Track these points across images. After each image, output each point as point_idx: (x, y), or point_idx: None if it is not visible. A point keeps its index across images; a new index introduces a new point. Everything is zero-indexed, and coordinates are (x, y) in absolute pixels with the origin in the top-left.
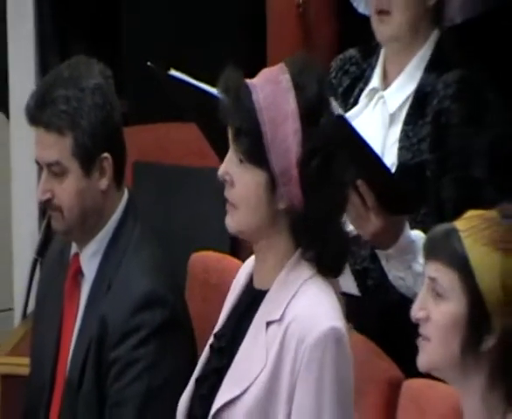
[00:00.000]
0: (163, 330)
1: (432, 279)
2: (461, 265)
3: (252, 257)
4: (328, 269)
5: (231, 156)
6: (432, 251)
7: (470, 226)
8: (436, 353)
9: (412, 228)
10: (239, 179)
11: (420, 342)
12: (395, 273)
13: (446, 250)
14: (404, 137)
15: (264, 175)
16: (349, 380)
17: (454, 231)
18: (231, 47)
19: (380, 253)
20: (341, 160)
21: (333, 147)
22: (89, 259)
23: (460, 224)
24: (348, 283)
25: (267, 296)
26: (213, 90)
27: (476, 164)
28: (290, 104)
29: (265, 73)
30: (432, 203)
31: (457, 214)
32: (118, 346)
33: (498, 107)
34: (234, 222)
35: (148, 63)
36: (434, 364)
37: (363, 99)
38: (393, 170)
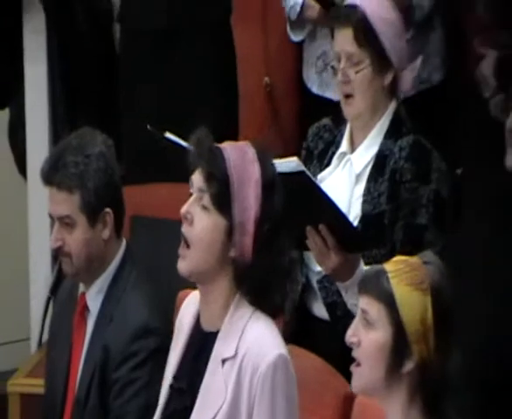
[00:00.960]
0: (157, 354)
1: (364, 311)
2: (388, 300)
3: (191, 298)
4: (266, 311)
5: (195, 200)
6: (364, 287)
7: (396, 268)
8: (365, 377)
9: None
10: (200, 220)
11: (353, 368)
12: (352, 302)
13: (376, 287)
14: (367, 192)
15: (224, 222)
16: (295, 398)
17: (383, 272)
18: (208, 113)
19: (340, 285)
20: (286, 228)
21: (280, 218)
22: (94, 297)
23: (388, 266)
24: (322, 310)
25: (219, 336)
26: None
27: (422, 213)
28: (255, 172)
29: (232, 144)
30: (388, 246)
31: (404, 254)
32: (119, 368)
33: (441, 167)
34: (186, 262)
35: (148, 127)
36: (365, 386)
37: (334, 160)
38: (357, 220)
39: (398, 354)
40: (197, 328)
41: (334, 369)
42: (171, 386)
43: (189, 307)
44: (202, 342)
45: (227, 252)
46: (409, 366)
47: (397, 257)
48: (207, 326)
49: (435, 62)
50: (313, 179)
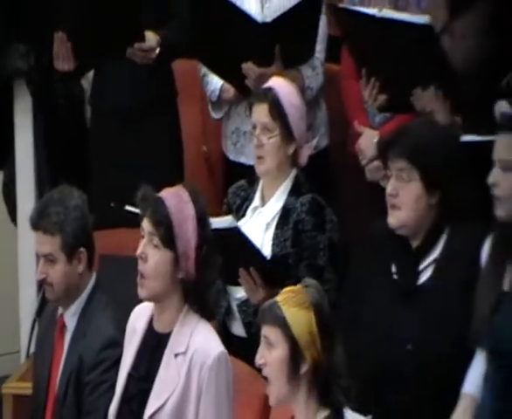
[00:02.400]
0: (120, 362)
1: (265, 337)
2: (281, 323)
3: (141, 308)
4: (207, 317)
5: (147, 242)
6: (263, 318)
7: (284, 297)
8: (276, 391)
9: None
10: (152, 257)
11: (267, 386)
12: None
13: (271, 316)
14: (275, 238)
15: (171, 254)
16: (231, 387)
17: (275, 302)
18: (161, 173)
19: None
20: (217, 252)
21: (214, 243)
22: (70, 318)
23: (278, 297)
24: (239, 329)
25: (172, 336)
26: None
27: (320, 255)
28: (190, 210)
29: (169, 190)
30: (294, 281)
31: None
32: (90, 373)
33: (332, 219)
34: (144, 290)
35: (112, 204)
36: (278, 400)
37: (248, 212)
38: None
39: (295, 362)
40: (150, 330)
41: (255, 371)
42: (130, 374)
43: (140, 316)
44: (157, 341)
45: (176, 275)
46: (304, 368)
47: (286, 288)
48: (161, 328)
49: (321, 131)
50: (243, 232)
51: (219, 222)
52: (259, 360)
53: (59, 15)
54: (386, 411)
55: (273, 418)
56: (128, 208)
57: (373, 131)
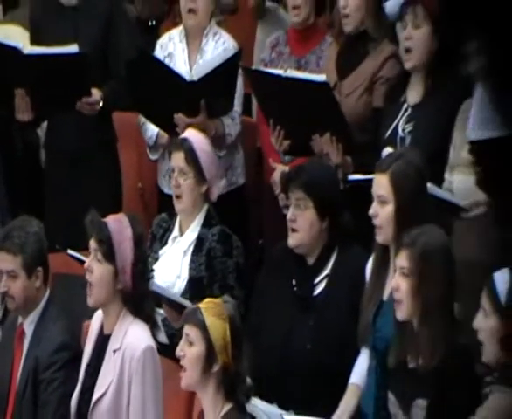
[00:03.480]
0: (69, 363)
1: (187, 334)
2: (201, 326)
3: (97, 316)
4: (143, 319)
5: (93, 257)
6: (186, 319)
7: (206, 306)
8: (188, 378)
9: None
10: (97, 269)
11: (181, 373)
12: None
13: (194, 318)
14: (192, 263)
15: (112, 268)
16: (160, 377)
17: (199, 308)
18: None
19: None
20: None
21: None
22: (28, 326)
23: (201, 305)
24: (164, 338)
25: (112, 336)
26: None
27: (230, 277)
28: (129, 233)
29: (112, 217)
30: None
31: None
32: (44, 372)
33: (238, 245)
34: (92, 299)
35: (57, 246)
36: (189, 385)
37: (169, 241)
38: (186, 281)
39: (209, 361)
40: (101, 332)
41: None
42: (86, 371)
43: (96, 320)
44: (103, 341)
45: (116, 286)
46: (216, 368)
47: (207, 299)
48: (106, 330)
49: (239, 170)
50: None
51: None
52: (179, 351)
53: (19, 75)
54: (289, 398)
55: (198, 404)
56: (70, 252)
57: (284, 166)
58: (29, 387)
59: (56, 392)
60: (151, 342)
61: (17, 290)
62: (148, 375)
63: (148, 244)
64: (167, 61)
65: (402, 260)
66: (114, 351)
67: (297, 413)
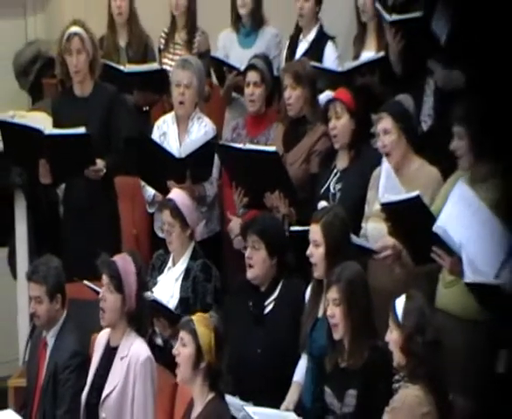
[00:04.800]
0: (80, 367)
1: (181, 338)
2: (193, 334)
3: (102, 334)
4: (142, 334)
5: (105, 289)
6: (182, 326)
7: (197, 318)
8: (184, 373)
9: None
10: (109, 298)
11: (177, 370)
12: None
13: (187, 327)
14: (181, 287)
15: (121, 296)
16: (155, 379)
17: (191, 319)
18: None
19: None
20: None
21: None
22: (50, 338)
23: (194, 317)
24: (160, 342)
25: (120, 346)
26: None
27: (209, 297)
28: (132, 268)
29: (118, 256)
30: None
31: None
32: (62, 373)
33: (216, 275)
34: (105, 321)
35: (74, 278)
36: (183, 379)
37: (165, 271)
38: (176, 301)
39: (198, 360)
40: (107, 345)
41: (167, 370)
42: (95, 373)
43: (102, 337)
44: (111, 351)
45: (123, 309)
46: (203, 365)
47: (198, 313)
48: (113, 343)
49: (215, 222)
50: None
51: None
52: (175, 351)
53: (41, 149)
54: (246, 392)
55: (178, 399)
56: (86, 282)
57: (238, 218)
58: (50, 384)
59: (70, 388)
60: (150, 353)
61: (41, 311)
62: (147, 378)
63: (149, 272)
64: (162, 139)
65: (333, 293)
66: (122, 358)
67: (255, 404)
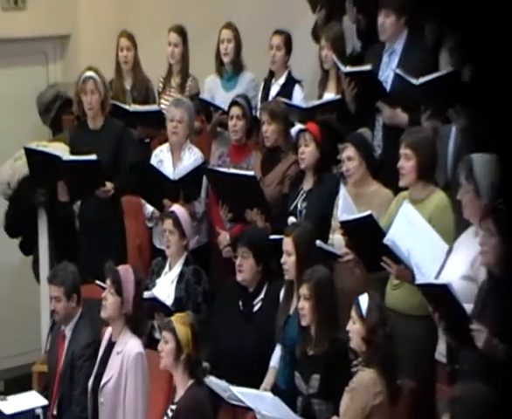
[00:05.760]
0: (92, 356)
1: (164, 337)
2: (173, 332)
3: (108, 330)
4: (138, 334)
5: (107, 291)
6: (163, 326)
7: (176, 318)
8: (166, 364)
9: None
10: (110, 299)
11: (161, 360)
12: None
13: (168, 326)
14: (176, 288)
15: (120, 299)
16: (145, 371)
17: (171, 320)
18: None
19: None
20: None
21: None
22: (68, 331)
23: (173, 318)
24: (158, 335)
25: (116, 343)
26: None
27: (199, 297)
28: (131, 276)
29: (121, 266)
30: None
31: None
32: (78, 360)
33: (206, 278)
34: (106, 314)
35: (90, 279)
36: (166, 366)
37: (162, 275)
38: (172, 300)
39: (178, 353)
40: (109, 340)
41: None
42: (99, 363)
43: (107, 331)
44: (110, 346)
45: (122, 311)
46: (182, 357)
47: (176, 314)
48: (113, 339)
49: (204, 234)
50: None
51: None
52: (159, 348)
53: (60, 173)
54: (237, 377)
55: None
56: (97, 282)
57: (225, 232)
58: (68, 370)
59: (84, 374)
60: (142, 350)
61: (60, 309)
62: (139, 371)
63: (147, 281)
64: (159, 165)
65: (304, 290)
66: (118, 353)
67: (239, 385)
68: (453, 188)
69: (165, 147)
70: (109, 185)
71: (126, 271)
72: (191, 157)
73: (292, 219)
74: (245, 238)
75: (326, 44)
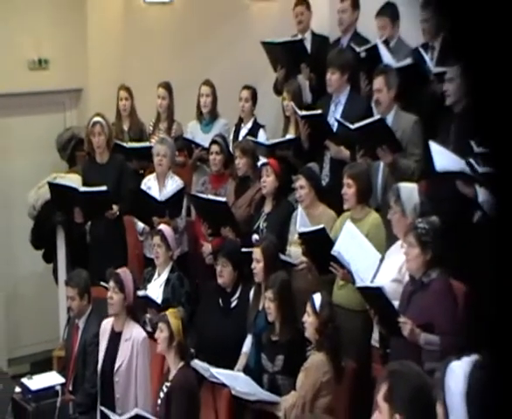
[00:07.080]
0: (98, 341)
1: (159, 327)
2: (167, 323)
3: (108, 321)
4: (137, 320)
5: (112, 290)
6: (159, 319)
7: (169, 312)
8: (161, 348)
9: None
10: (115, 296)
11: (158, 348)
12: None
13: (163, 319)
14: (164, 291)
15: (123, 295)
16: (149, 352)
17: (165, 314)
18: (115, 261)
19: None
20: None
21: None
22: (81, 324)
23: (167, 312)
24: (149, 328)
25: (123, 332)
26: None
27: (183, 299)
28: (130, 277)
29: (121, 269)
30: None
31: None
32: (89, 347)
33: (188, 282)
34: (113, 310)
35: (98, 282)
36: (163, 352)
37: (152, 280)
38: (160, 301)
39: (171, 340)
40: (112, 330)
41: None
42: (105, 352)
43: (107, 324)
44: (116, 335)
45: (124, 304)
46: (174, 343)
47: (170, 309)
48: (117, 329)
49: (185, 244)
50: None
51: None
52: (156, 336)
53: (76, 201)
54: (218, 361)
55: (166, 365)
56: (103, 283)
57: (208, 243)
58: (81, 355)
59: (94, 358)
60: (146, 335)
61: (75, 306)
62: (146, 352)
63: (141, 283)
64: (148, 190)
65: (269, 294)
66: (126, 340)
67: (218, 367)
68: (384, 209)
69: (152, 177)
70: (115, 208)
71: (124, 272)
72: (173, 184)
73: (255, 237)
74: (224, 250)
75: (287, 95)
